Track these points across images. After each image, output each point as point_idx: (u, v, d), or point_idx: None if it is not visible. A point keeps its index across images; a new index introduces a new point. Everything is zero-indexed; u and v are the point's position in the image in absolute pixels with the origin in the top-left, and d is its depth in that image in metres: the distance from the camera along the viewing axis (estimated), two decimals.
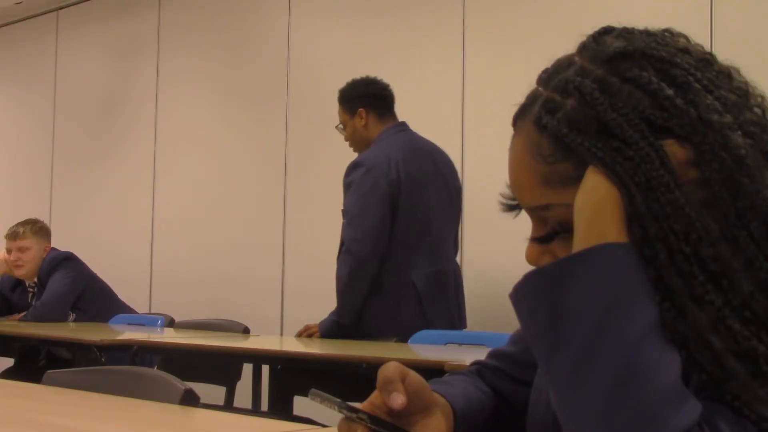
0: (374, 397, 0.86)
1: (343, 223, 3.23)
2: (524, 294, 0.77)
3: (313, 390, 0.84)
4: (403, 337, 3.03)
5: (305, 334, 3.26)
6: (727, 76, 0.81)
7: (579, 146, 0.78)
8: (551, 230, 0.83)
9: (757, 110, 0.80)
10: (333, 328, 3.18)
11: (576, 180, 0.78)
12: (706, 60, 0.81)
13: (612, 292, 0.71)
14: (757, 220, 0.74)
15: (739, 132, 0.76)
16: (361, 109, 3.32)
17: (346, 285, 3.16)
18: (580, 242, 0.75)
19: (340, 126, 3.40)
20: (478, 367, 1.08)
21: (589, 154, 0.77)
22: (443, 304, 3.24)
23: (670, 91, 0.76)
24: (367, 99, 3.34)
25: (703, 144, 0.75)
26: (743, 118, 0.78)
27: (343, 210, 3.25)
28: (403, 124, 3.39)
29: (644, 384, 0.68)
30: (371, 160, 3.18)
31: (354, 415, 0.82)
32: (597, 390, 0.69)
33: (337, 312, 3.20)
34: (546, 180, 0.81)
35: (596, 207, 0.75)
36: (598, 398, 0.69)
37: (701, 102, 0.76)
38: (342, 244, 3.21)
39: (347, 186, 3.22)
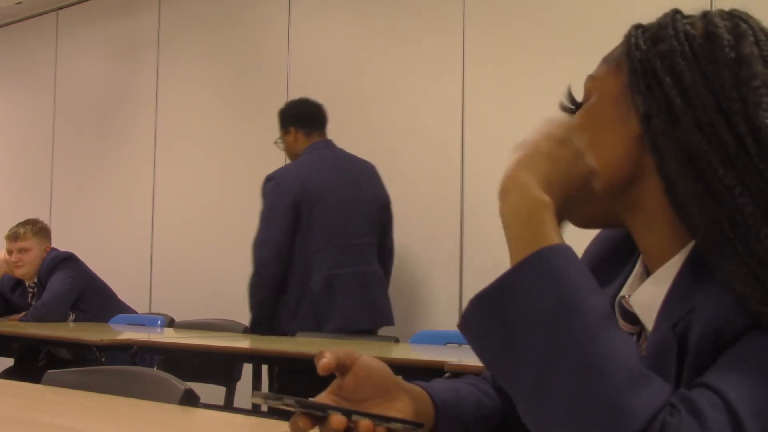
0: (331, 386, 0.91)
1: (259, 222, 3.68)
2: (473, 319, 0.77)
3: (253, 392, 0.85)
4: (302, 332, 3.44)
5: None
6: None
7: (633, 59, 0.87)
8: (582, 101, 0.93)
9: None
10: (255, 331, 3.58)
11: (610, 68, 0.90)
12: None
13: (555, 295, 0.73)
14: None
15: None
16: (291, 128, 3.79)
17: (251, 285, 3.57)
18: (515, 255, 0.78)
19: (279, 138, 3.87)
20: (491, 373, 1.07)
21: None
22: (341, 304, 3.54)
23: (722, 24, 0.84)
24: (296, 119, 3.81)
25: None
26: None
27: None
28: (326, 141, 3.80)
29: (604, 380, 0.69)
30: (281, 175, 3.64)
31: (280, 403, 0.83)
32: (560, 397, 0.70)
33: (250, 308, 3.58)
34: (605, 58, 0.92)
35: (523, 217, 0.79)
36: (562, 405, 0.70)
37: (745, 41, 0.82)
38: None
39: (262, 197, 3.66)
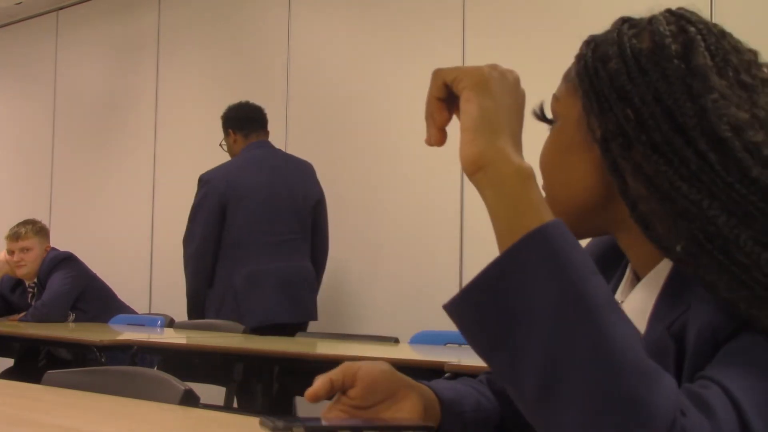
0: (337, 397, 0.89)
1: None
2: (468, 305, 0.71)
3: (261, 419, 0.84)
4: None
5: None
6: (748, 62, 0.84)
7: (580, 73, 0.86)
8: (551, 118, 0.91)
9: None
10: (191, 317, 3.89)
11: (569, 88, 0.87)
12: (737, 47, 0.84)
13: (557, 282, 0.68)
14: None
15: (716, 72, 0.79)
16: (230, 130, 4.02)
17: (187, 276, 3.88)
18: (505, 237, 0.72)
19: (223, 141, 4.09)
20: (488, 376, 1.07)
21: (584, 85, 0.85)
22: (263, 299, 3.76)
23: (669, 32, 0.82)
24: (235, 122, 4.02)
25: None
26: (736, 77, 0.80)
27: None
28: (262, 141, 3.99)
29: (620, 377, 0.65)
30: (208, 177, 3.87)
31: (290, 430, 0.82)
32: (573, 397, 0.65)
33: (187, 301, 3.90)
34: (565, 76, 0.90)
35: (508, 192, 0.73)
36: (577, 405, 0.65)
37: (696, 46, 0.81)
38: None
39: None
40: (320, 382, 0.87)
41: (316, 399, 0.86)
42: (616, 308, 0.69)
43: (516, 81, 0.80)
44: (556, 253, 0.69)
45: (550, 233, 0.70)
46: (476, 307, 0.71)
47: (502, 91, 0.77)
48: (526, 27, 3.82)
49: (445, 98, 0.80)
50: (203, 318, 3.82)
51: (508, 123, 0.76)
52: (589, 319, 0.66)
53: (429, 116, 0.81)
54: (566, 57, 0.95)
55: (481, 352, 0.72)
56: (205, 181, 3.85)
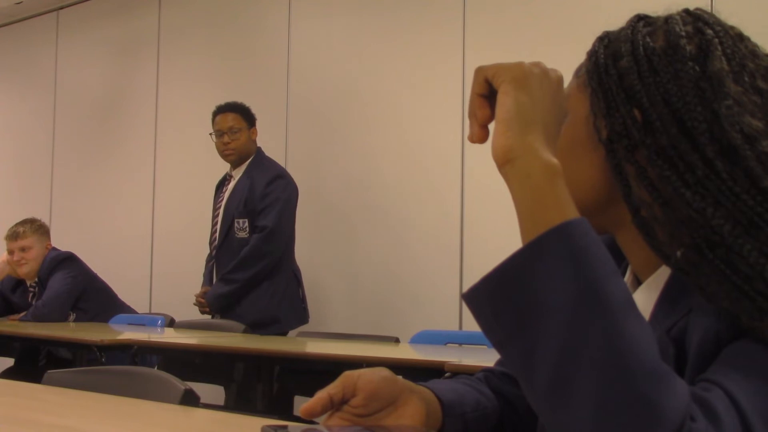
0: (337, 407, 0.89)
1: (268, 214, 3.80)
2: (486, 296, 0.72)
3: (263, 428, 0.84)
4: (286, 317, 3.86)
5: (200, 308, 3.91)
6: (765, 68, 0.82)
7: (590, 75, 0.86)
8: None
9: None
10: (222, 302, 3.82)
11: (579, 85, 0.88)
12: (754, 51, 0.83)
13: (577, 278, 0.67)
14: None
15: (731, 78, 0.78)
16: (254, 128, 4.03)
17: (257, 266, 3.76)
18: (529, 230, 0.72)
19: (234, 128, 3.96)
20: (486, 374, 1.07)
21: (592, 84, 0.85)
22: (304, 298, 4.02)
23: (684, 32, 0.80)
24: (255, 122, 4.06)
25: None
26: (749, 82, 0.79)
27: (265, 206, 3.82)
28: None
29: (632, 377, 0.64)
30: (287, 175, 3.95)
31: None
32: (584, 393, 0.65)
33: (233, 286, 3.79)
34: (576, 72, 0.91)
35: (534, 187, 0.73)
36: (587, 402, 0.65)
37: (713, 50, 0.79)
38: (263, 228, 3.79)
39: (273, 191, 3.82)
40: (318, 397, 0.86)
41: (311, 415, 0.86)
42: (634, 309, 0.68)
43: (558, 80, 0.80)
44: (578, 249, 0.68)
45: (573, 230, 0.70)
46: (494, 297, 0.71)
47: (540, 87, 0.77)
48: (527, 28, 3.81)
49: (488, 95, 0.80)
50: (231, 308, 3.82)
51: (542, 119, 0.76)
52: (606, 317, 0.66)
53: (471, 113, 0.81)
54: (566, 59, 0.95)
55: (495, 343, 0.72)
56: (287, 179, 3.91)
